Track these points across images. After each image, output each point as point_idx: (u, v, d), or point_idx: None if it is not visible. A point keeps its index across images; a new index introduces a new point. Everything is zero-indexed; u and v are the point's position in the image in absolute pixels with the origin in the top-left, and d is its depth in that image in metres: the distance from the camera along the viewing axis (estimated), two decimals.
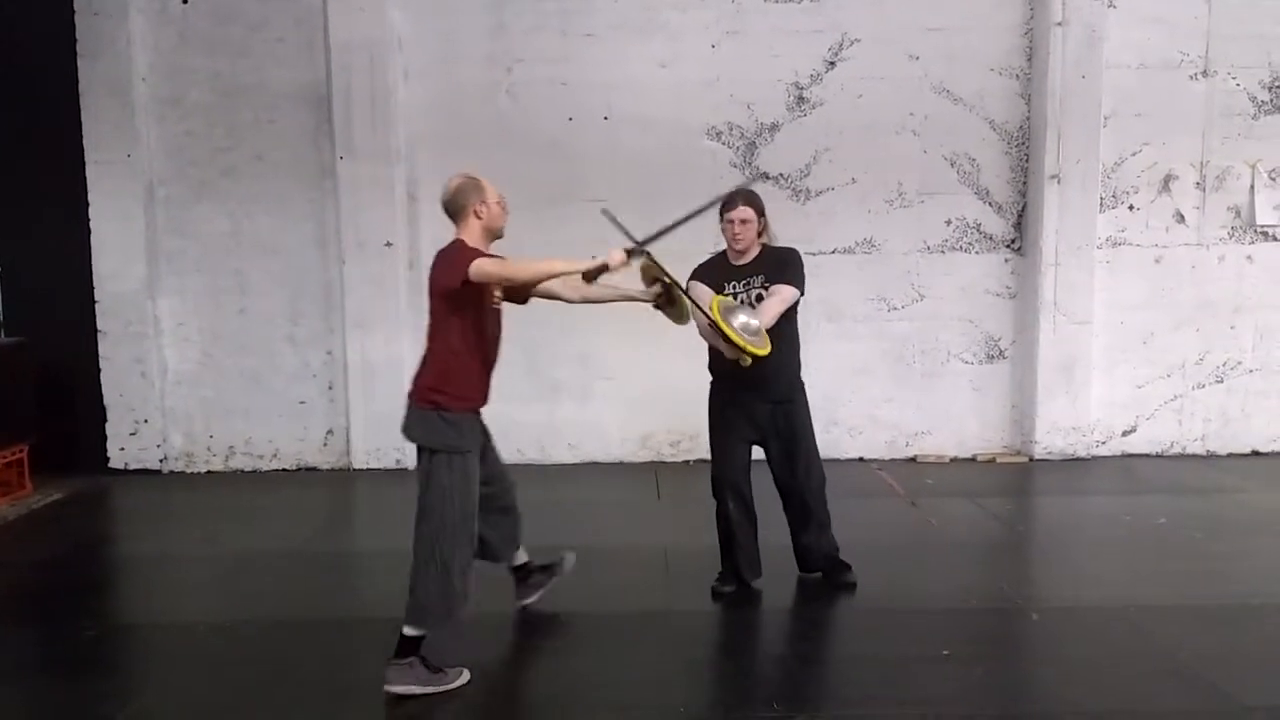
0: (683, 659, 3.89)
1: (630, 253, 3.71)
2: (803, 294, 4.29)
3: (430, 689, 3.54)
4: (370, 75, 6.63)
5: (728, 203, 4.31)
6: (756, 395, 4.35)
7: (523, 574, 4.32)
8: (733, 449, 4.45)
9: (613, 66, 6.82)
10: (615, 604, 4.47)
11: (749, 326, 4.00)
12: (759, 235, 4.33)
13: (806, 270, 4.33)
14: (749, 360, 3.94)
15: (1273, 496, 6.17)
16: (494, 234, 3.78)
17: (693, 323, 4.17)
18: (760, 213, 4.31)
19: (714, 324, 3.91)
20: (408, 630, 3.57)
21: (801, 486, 4.49)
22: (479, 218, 3.72)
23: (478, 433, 3.81)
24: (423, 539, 3.60)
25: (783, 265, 4.29)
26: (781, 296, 4.19)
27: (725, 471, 4.46)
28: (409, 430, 3.71)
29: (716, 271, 4.38)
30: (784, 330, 4.24)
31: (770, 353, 4.00)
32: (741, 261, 4.35)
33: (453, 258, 3.61)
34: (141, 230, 6.77)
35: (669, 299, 4.09)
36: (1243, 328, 7.05)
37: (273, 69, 6.76)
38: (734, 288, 4.32)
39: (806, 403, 4.51)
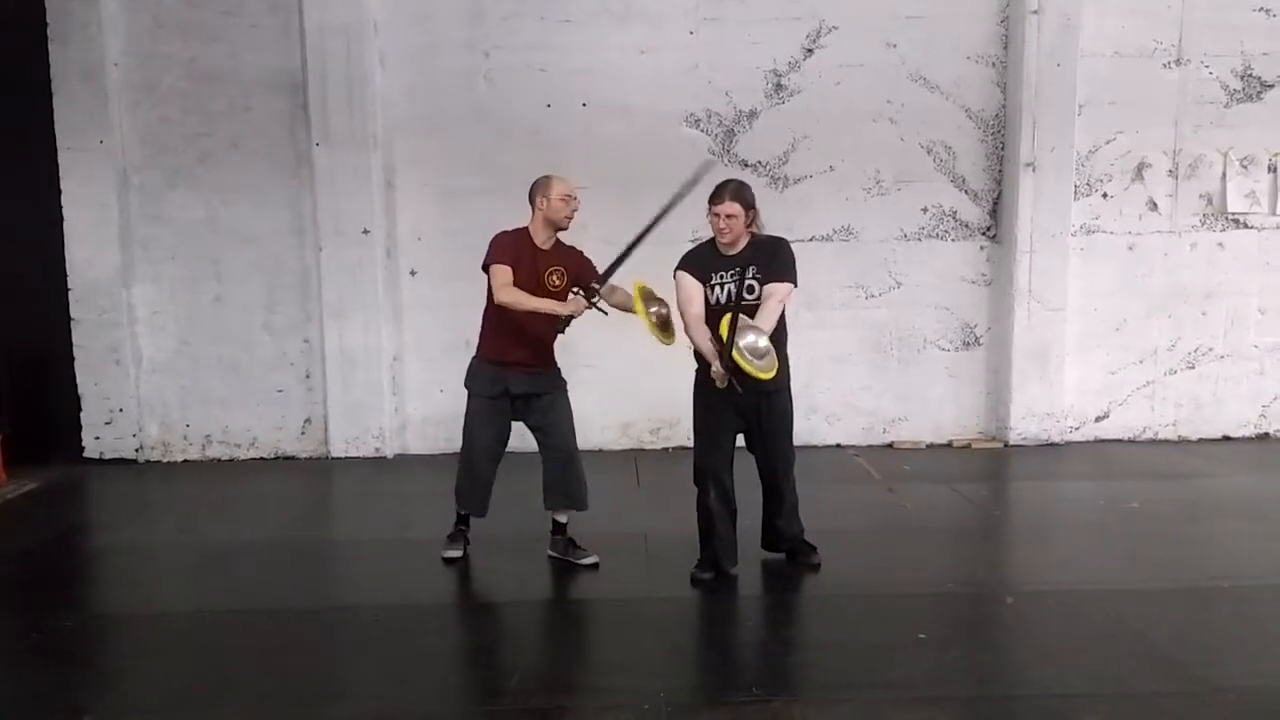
0: (663, 644, 3.91)
1: (588, 296, 4.49)
2: (795, 286, 4.33)
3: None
4: (346, 61, 6.58)
5: (715, 195, 4.30)
6: (746, 385, 4.35)
7: (555, 530, 4.81)
8: (717, 438, 4.47)
9: (591, 53, 6.79)
10: (596, 589, 4.51)
11: (756, 348, 4.02)
12: (747, 227, 4.31)
13: None
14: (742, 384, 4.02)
15: (1243, 480, 6.26)
16: (554, 225, 4.51)
17: (680, 338, 4.43)
18: (748, 206, 4.28)
19: (729, 359, 3.99)
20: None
21: (779, 472, 4.53)
22: (539, 209, 4.48)
23: (489, 381, 4.58)
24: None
25: (774, 257, 4.28)
26: (778, 297, 4.22)
27: (708, 461, 4.48)
28: None
29: (706, 261, 4.37)
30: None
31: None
32: (731, 251, 4.32)
33: (491, 245, 4.48)
34: (115, 218, 6.70)
35: (664, 322, 4.45)
36: (1214, 314, 7.14)
37: (247, 54, 6.69)
38: (722, 277, 4.30)
39: (790, 391, 4.54)
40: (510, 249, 4.45)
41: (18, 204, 6.72)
